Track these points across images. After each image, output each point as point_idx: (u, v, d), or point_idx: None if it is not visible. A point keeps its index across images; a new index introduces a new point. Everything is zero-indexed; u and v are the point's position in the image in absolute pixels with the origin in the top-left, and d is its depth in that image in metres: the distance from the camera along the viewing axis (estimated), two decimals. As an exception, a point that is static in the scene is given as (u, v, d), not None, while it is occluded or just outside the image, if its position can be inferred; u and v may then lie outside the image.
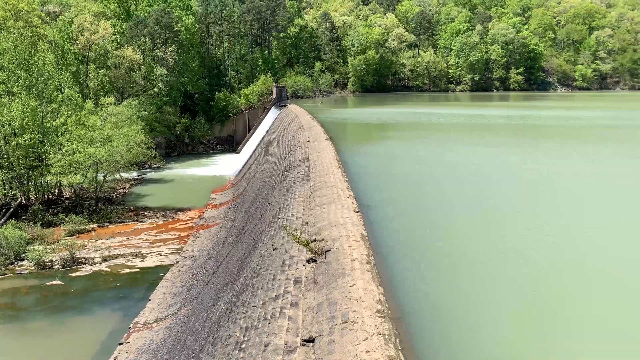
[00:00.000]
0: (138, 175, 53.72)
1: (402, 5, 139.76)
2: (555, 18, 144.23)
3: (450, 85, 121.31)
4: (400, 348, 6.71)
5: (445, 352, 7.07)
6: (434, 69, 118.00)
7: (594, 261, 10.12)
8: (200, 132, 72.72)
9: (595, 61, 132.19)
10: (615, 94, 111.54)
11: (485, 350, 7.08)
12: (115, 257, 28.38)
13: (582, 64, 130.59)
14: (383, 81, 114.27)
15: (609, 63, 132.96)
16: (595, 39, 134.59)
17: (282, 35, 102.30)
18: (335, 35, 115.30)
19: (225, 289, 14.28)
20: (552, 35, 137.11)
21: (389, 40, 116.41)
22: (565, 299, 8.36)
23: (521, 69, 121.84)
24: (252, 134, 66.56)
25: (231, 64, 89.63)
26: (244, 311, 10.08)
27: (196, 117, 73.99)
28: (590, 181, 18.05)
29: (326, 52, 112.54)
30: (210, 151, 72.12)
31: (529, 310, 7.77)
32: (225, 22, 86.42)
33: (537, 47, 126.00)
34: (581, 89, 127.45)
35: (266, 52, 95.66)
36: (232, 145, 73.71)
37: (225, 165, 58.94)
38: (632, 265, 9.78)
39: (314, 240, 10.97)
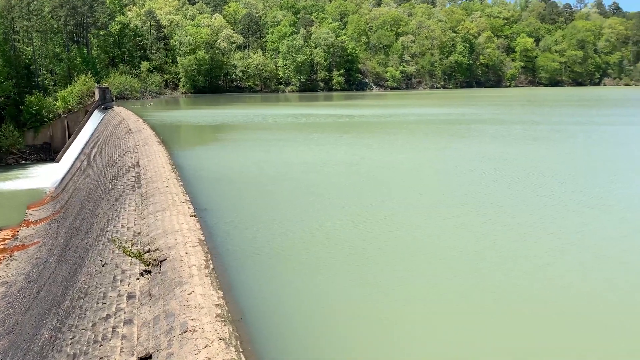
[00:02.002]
0: None
1: (229, 7, 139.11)
2: (368, 24, 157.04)
3: (280, 86, 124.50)
4: (241, 350, 6.66)
5: (285, 350, 7.21)
6: (264, 70, 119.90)
7: (430, 251, 11.22)
8: (8, 140, 63.07)
9: (402, 64, 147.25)
10: (419, 93, 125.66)
11: (322, 346, 7.37)
12: None
13: (391, 66, 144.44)
14: (215, 82, 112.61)
15: (412, 65, 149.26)
16: (401, 44, 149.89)
17: (102, 32, 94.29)
18: (162, 34, 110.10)
19: (48, 315, 12.71)
20: (366, 40, 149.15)
21: (219, 40, 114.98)
22: (403, 289, 9.09)
23: (341, 71, 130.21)
24: (73, 140, 60.22)
25: (44, 63, 79.83)
26: (71, 337, 9.08)
27: (2, 123, 64.22)
28: (416, 169, 20.04)
29: (153, 51, 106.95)
30: (23, 162, 63.10)
31: (365, 305, 8.29)
32: (34, 17, 76.58)
33: (354, 50, 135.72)
34: (392, 88, 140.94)
35: (85, 51, 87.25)
36: (49, 153, 65.58)
37: (42, 177, 52.26)
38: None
39: (148, 251, 10.33)
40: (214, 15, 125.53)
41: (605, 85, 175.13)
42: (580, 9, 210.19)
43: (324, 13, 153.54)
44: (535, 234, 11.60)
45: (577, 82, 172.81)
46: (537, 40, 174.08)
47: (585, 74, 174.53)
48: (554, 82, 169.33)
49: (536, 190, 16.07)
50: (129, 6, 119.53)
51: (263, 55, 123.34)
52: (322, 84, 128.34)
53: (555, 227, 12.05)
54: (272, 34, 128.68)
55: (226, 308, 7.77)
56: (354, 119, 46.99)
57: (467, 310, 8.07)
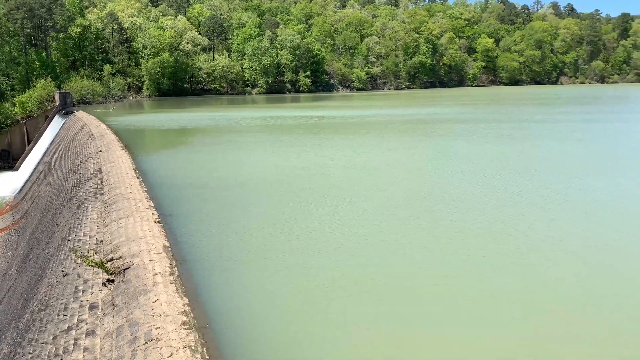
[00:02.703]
0: None
1: (193, 9, 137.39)
2: (333, 26, 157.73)
3: (246, 88, 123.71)
4: (207, 357, 6.56)
5: (252, 356, 7.15)
6: (230, 73, 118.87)
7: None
8: (-37, 148, 60.72)
9: (367, 65, 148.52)
10: (384, 93, 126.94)
11: (289, 351, 7.34)
12: None
13: (357, 68, 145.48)
14: (180, 85, 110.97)
15: (377, 66, 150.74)
16: (366, 45, 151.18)
17: (62, 35, 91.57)
18: (125, 36, 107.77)
19: (7, 329, 12.22)
20: (332, 41, 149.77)
21: (183, 43, 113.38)
22: (372, 292, 9.12)
23: (308, 72, 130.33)
24: (33, 147, 58.20)
25: (0, 67, 76.96)
26: (31, 351, 8.76)
27: (-45, 130, 61.61)
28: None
29: (116, 54, 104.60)
30: (-21, 171, 60.66)
31: (334, 310, 8.28)
32: (-12, 20, 73.79)
33: (320, 52, 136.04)
34: (358, 89, 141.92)
35: (44, 54, 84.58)
36: (7, 161, 63.03)
37: (0, 186, 50.35)
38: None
39: (111, 260, 10.07)
40: (178, 17, 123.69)
41: (562, 83, 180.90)
42: (537, 10, 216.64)
43: (289, 15, 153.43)
44: (504, 230, 11.86)
45: (536, 81, 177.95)
46: (497, 41, 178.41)
47: (543, 73, 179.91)
48: (514, 81, 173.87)
49: (505, 186, 16.44)
50: (90, 8, 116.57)
51: (229, 57, 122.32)
52: (289, 86, 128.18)
53: (525, 223, 12.33)
54: (238, 35, 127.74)
55: (192, 315, 7.64)
56: (322, 120, 47.09)
57: (438, 310, 8.17)
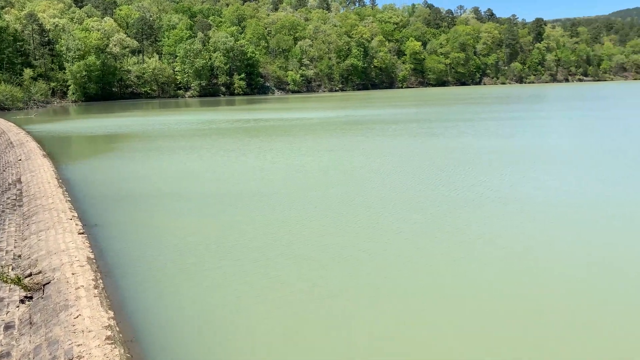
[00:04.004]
0: None
1: (120, 10, 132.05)
2: (266, 28, 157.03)
3: (179, 91, 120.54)
4: (133, 372, 6.28)
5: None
6: (161, 76, 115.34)
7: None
8: None
9: (301, 67, 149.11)
10: (319, 96, 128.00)
11: (219, 356, 7.17)
12: None
13: (291, 70, 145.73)
14: (109, 89, 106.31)
15: (312, 69, 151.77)
16: (300, 48, 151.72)
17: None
18: (47, 39, 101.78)
19: None
20: (266, 44, 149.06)
21: (110, 45, 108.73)
22: (306, 298, 9.05)
23: (242, 75, 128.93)
24: (-54, 155, 53.62)
25: None
26: (-62, 379, 7.99)
27: None
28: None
29: (37, 57, 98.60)
30: None
31: (266, 320, 8.16)
32: None
33: (254, 54, 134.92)
34: (293, 91, 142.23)
35: (-45, 58, 78.25)
36: None
37: None
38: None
39: (29, 275, 9.43)
40: (104, 18, 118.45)
41: (485, 84, 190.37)
42: (461, 14, 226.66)
43: (221, 17, 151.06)
44: (442, 227, 12.22)
45: (461, 81, 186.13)
46: (425, 44, 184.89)
47: (468, 74, 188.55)
48: (441, 82, 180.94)
49: (442, 183, 16.97)
50: (7, 8, 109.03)
51: (159, 59, 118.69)
52: (223, 89, 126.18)
53: (460, 220, 12.76)
54: (168, 37, 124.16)
55: (117, 329, 7.29)
56: (260, 123, 46.69)
57: (375, 312, 8.26)
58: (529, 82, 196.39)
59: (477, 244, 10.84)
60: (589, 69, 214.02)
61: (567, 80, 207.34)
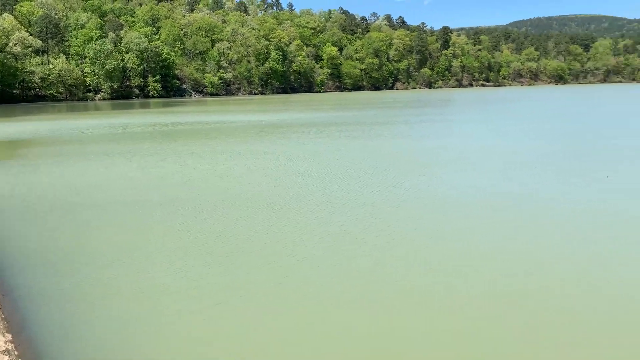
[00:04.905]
0: None
1: (21, 6, 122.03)
2: (182, 30, 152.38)
3: (89, 94, 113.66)
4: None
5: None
6: (68, 77, 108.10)
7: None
8: None
9: (219, 70, 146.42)
10: (239, 99, 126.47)
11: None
12: None
13: (209, 73, 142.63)
14: (9, 91, 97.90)
15: (230, 72, 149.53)
16: (217, 50, 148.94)
17: None
18: None
19: None
20: (182, 45, 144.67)
21: (10, 44, 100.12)
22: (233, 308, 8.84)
23: (157, 77, 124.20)
24: None
25: None
26: None
27: None
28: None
29: None
30: None
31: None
32: None
33: (169, 56, 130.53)
34: (212, 94, 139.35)
35: None
36: None
37: None
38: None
39: None
40: (3, 15, 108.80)
41: (397, 88, 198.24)
42: (374, 21, 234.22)
43: (134, 17, 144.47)
44: (364, 229, 12.47)
45: (375, 86, 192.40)
46: (341, 49, 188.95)
47: (381, 79, 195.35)
48: (357, 87, 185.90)
49: (360, 185, 17.33)
50: None
51: (67, 60, 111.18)
52: (137, 91, 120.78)
53: (383, 221, 13.10)
54: (77, 37, 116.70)
55: (16, 353, 6.72)
56: (178, 126, 45.17)
57: (303, 313, 8.27)
58: (438, 87, 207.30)
59: (402, 244, 11.25)
60: (490, 75, 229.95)
61: (471, 85, 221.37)
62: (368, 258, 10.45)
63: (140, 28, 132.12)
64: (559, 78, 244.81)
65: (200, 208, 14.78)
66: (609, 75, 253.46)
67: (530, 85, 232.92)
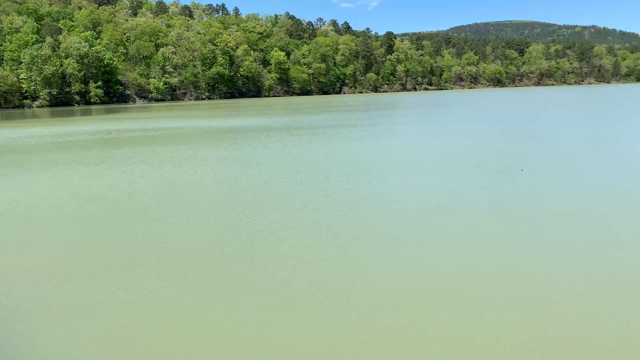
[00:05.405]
0: None
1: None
2: (125, 34, 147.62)
3: (25, 100, 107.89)
4: None
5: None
6: (2, 84, 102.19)
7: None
8: None
9: (165, 75, 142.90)
10: (185, 104, 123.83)
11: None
12: None
13: (154, 78, 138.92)
14: None
15: (176, 77, 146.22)
16: (162, 55, 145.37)
17: None
18: None
19: None
20: (125, 50, 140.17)
21: None
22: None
23: (100, 83, 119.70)
24: None
25: None
26: None
27: None
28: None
29: None
30: None
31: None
32: None
33: (111, 61, 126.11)
34: (157, 100, 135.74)
35: None
36: None
37: None
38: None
39: None
40: None
41: (344, 93, 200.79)
42: (320, 26, 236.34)
43: (73, 21, 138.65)
44: (321, 231, 12.48)
45: (324, 91, 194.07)
46: (288, 54, 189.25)
47: (329, 83, 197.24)
48: (305, 91, 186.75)
49: (312, 190, 17.34)
50: None
51: (0, 66, 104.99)
52: (77, 97, 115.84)
53: (339, 222, 13.16)
54: (11, 42, 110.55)
55: None
56: (124, 134, 43.62)
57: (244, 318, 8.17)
58: (383, 91, 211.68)
59: (358, 244, 11.36)
60: (432, 78, 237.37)
61: (415, 89, 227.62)
62: (324, 263, 10.48)
63: (80, 32, 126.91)
64: (497, 81, 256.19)
65: (149, 218, 14.32)
66: (542, 78, 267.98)
67: (470, 88, 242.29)
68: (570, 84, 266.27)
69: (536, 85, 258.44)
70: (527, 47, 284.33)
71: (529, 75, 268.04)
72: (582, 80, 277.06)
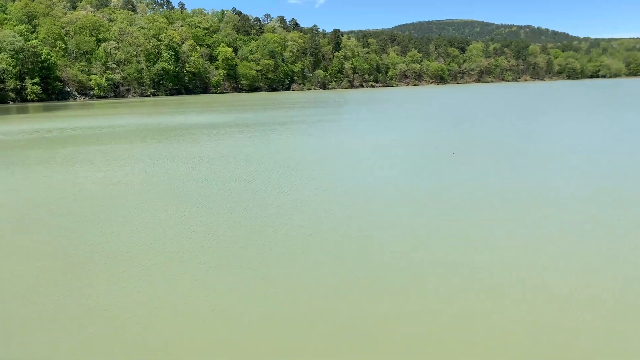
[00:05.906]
0: None
1: None
2: (63, 28, 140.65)
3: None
4: None
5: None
6: None
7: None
8: None
9: (107, 71, 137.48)
10: (129, 101, 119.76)
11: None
12: None
13: (96, 74, 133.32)
14: None
15: (119, 73, 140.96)
16: (104, 51, 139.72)
17: None
18: None
19: None
20: (63, 45, 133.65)
21: None
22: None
23: (37, 79, 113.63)
24: None
25: None
26: None
27: None
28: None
29: None
30: None
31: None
32: None
33: (49, 56, 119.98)
34: (99, 97, 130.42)
35: None
36: None
37: None
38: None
39: None
40: None
41: (293, 89, 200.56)
42: (268, 22, 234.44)
43: (6, 14, 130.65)
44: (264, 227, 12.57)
45: (272, 87, 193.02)
46: (236, 50, 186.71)
47: (278, 80, 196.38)
48: (254, 88, 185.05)
49: (265, 189, 17.39)
50: None
51: None
52: (12, 94, 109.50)
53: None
54: None
55: None
56: (65, 132, 41.75)
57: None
58: (331, 88, 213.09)
59: (316, 236, 11.59)
60: (379, 76, 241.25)
61: (362, 86, 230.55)
62: (283, 259, 10.64)
63: (15, 26, 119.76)
64: (440, 78, 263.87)
65: (96, 221, 13.94)
66: (482, 75, 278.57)
67: (415, 85, 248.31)
68: (508, 81, 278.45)
69: (476, 82, 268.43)
70: (468, 46, 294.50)
71: (470, 72, 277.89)
72: (519, 78, 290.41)
